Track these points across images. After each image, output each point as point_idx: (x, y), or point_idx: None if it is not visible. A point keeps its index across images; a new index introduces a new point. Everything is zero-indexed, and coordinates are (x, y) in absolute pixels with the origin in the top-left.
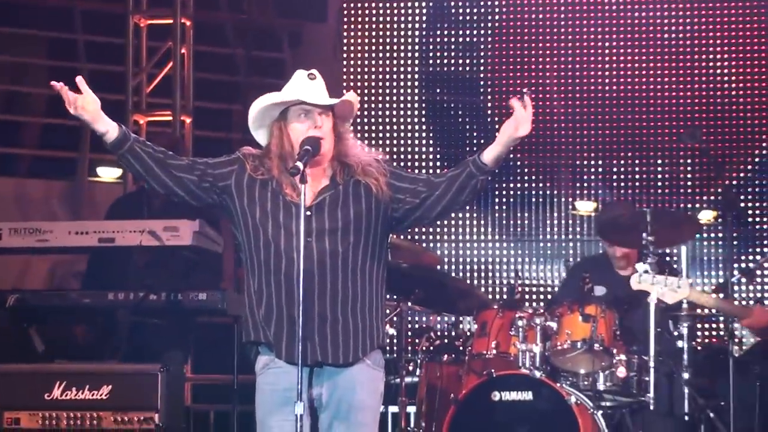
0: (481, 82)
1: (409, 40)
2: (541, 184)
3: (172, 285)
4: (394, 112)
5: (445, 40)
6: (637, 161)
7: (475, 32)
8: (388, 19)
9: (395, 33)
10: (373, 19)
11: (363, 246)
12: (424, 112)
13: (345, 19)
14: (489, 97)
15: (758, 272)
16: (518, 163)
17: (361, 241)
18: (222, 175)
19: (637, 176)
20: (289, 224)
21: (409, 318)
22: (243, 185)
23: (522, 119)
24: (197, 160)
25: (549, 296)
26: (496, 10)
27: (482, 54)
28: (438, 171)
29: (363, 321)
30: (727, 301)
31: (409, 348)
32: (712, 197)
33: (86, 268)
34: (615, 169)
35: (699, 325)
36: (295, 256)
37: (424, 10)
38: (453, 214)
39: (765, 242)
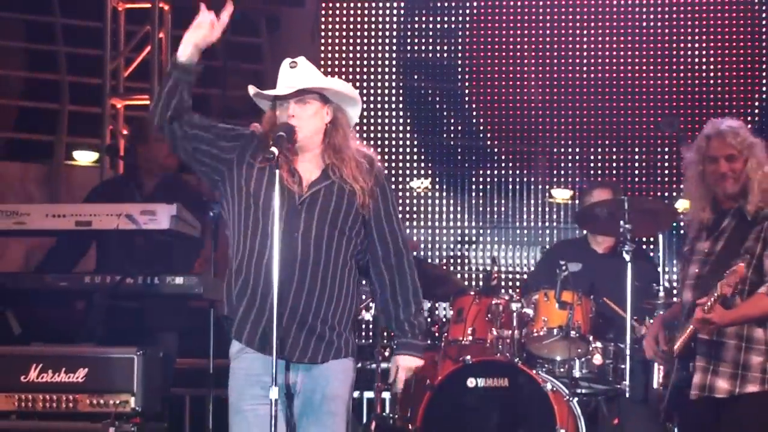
0: (459, 69)
1: (387, 26)
2: (517, 171)
3: (148, 269)
4: (372, 98)
5: (423, 26)
6: (614, 149)
7: (452, 19)
8: (366, 4)
9: (373, 19)
10: (351, 4)
11: (344, 250)
12: (401, 98)
13: (323, 5)
14: (466, 83)
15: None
16: (494, 150)
17: (343, 245)
18: (229, 148)
19: (614, 164)
20: (280, 212)
21: None
22: (244, 162)
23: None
24: (212, 123)
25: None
26: None
27: (460, 41)
28: (415, 158)
29: (338, 326)
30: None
31: (385, 334)
32: None
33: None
34: (592, 157)
35: None
36: (271, 245)
37: None
38: (430, 200)
39: None
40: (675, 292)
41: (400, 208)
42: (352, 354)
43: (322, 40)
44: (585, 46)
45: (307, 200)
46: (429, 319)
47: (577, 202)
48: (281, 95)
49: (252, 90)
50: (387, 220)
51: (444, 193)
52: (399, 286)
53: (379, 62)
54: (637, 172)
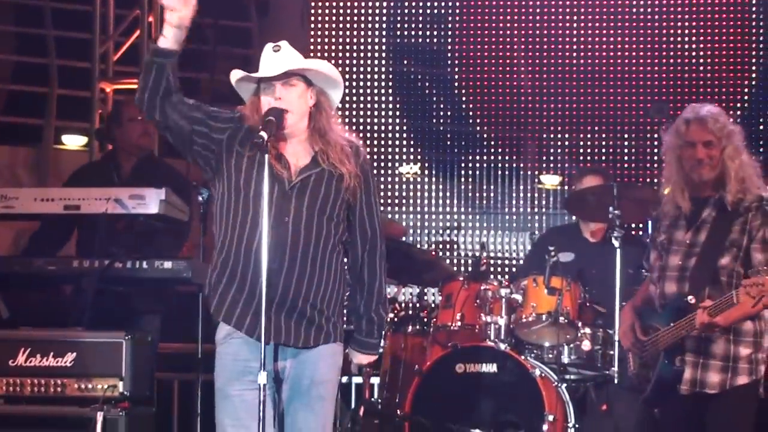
0: (448, 54)
1: (377, 11)
2: (507, 157)
3: (136, 252)
4: (361, 83)
5: (413, 11)
6: (603, 135)
7: (442, 4)
8: None
9: (363, 3)
10: None
11: (333, 235)
12: (390, 84)
13: None
14: (456, 69)
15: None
16: (484, 135)
17: (332, 230)
18: (219, 129)
19: (603, 150)
20: (270, 198)
21: None
22: (233, 149)
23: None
24: (201, 104)
25: (514, 269)
26: None
27: (450, 26)
28: (404, 143)
29: (327, 310)
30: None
31: None
32: None
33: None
34: (581, 143)
35: None
36: (261, 231)
37: None
38: (419, 186)
39: None
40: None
41: (389, 194)
42: (341, 338)
43: (312, 25)
44: (575, 32)
45: (297, 186)
46: (418, 305)
47: (566, 187)
48: (267, 77)
49: (237, 74)
50: (368, 210)
51: (433, 179)
52: (367, 277)
53: (369, 47)
54: (626, 158)
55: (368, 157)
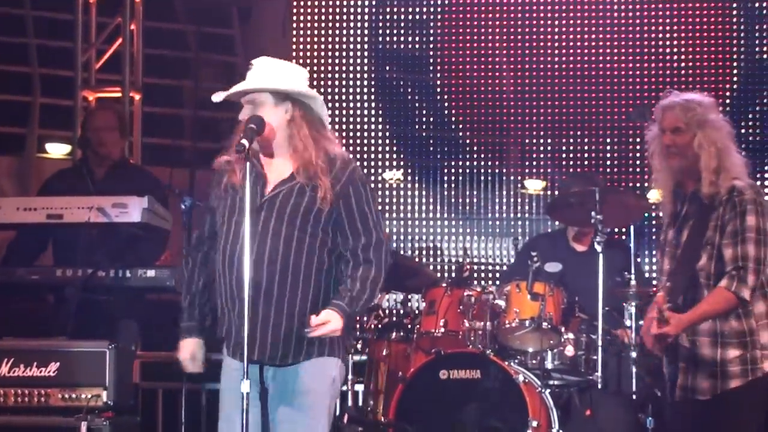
0: (431, 60)
1: (359, 17)
2: (489, 162)
3: (118, 261)
4: (343, 90)
5: (395, 17)
6: (586, 140)
7: (424, 9)
8: None
9: (344, 10)
10: None
11: (311, 248)
12: (373, 90)
13: None
14: (438, 75)
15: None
16: (467, 141)
17: (306, 243)
18: (214, 207)
19: (586, 155)
20: (240, 219)
21: None
22: (220, 192)
23: None
24: (206, 220)
25: (497, 274)
26: None
27: (432, 32)
28: (387, 149)
29: (303, 324)
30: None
31: (357, 326)
32: None
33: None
34: (564, 148)
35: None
36: (239, 251)
37: None
38: (401, 192)
39: None
40: (654, 282)
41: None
42: (330, 353)
43: (294, 32)
44: (556, 37)
45: (266, 201)
46: (401, 311)
47: (549, 192)
48: (232, 97)
49: (217, 97)
50: (361, 218)
51: (416, 185)
52: (363, 268)
53: (351, 53)
54: (608, 162)
55: (356, 164)
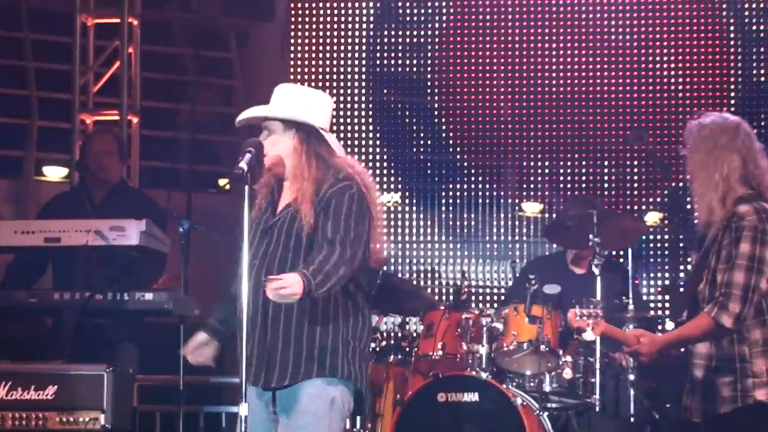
0: (428, 83)
1: (356, 39)
2: (487, 185)
3: (116, 284)
4: (341, 112)
5: (392, 40)
6: (583, 162)
7: (422, 32)
8: (336, 18)
9: (342, 33)
10: (321, 18)
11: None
12: (371, 113)
13: (292, 19)
14: (436, 98)
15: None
16: (464, 164)
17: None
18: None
19: (583, 177)
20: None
21: None
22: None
23: None
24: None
25: (495, 297)
26: (443, 10)
27: (429, 54)
28: (385, 172)
29: (307, 348)
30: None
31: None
32: (659, 199)
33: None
34: (561, 171)
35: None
36: (244, 267)
37: (372, 10)
38: (399, 215)
39: None
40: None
41: None
42: (332, 373)
43: (292, 55)
44: (554, 60)
45: (270, 225)
46: (399, 334)
47: (547, 215)
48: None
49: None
50: (334, 221)
51: (414, 208)
52: (326, 249)
53: (349, 76)
54: (606, 185)
55: (349, 184)
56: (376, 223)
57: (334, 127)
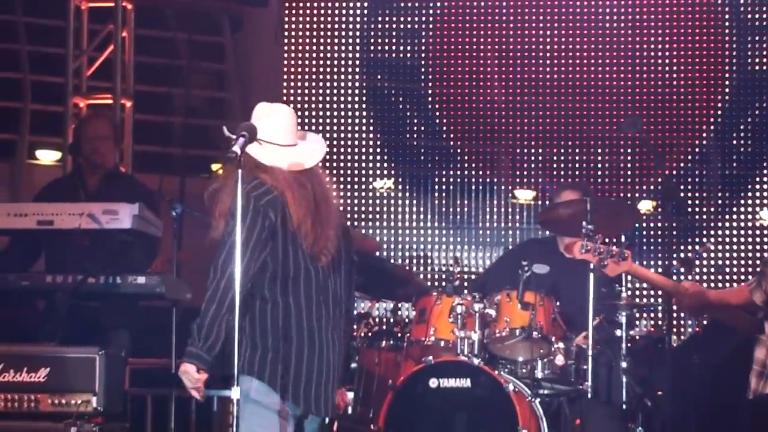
0: (422, 69)
1: (350, 26)
2: (480, 172)
3: (108, 267)
4: (335, 98)
5: (386, 26)
6: (577, 150)
7: (416, 19)
8: (330, 4)
9: (336, 19)
10: (315, 4)
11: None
12: (364, 99)
13: (286, 4)
14: (429, 84)
15: (697, 262)
16: (458, 150)
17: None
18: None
19: (577, 165)
20: None
21: None
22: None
23: None
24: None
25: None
26: None
27: (423, 41)
28: (378, 158)
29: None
30: (664, 277)
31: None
32: (652, 187)
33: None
34: (555, 158)
35: (637, 315)
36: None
37: None
38: (393, 201)
39: (704, 232)
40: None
41: (363, 209)
42: (249, 372)
43: (286, 40)
44: (548, 47)
45: None
46: (391, 320)
47: (540, 202)
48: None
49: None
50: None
51: (407, 194)
52: None
53: (343, 62)
54: (600, 172)
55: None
56: None
57: (328, 113)
